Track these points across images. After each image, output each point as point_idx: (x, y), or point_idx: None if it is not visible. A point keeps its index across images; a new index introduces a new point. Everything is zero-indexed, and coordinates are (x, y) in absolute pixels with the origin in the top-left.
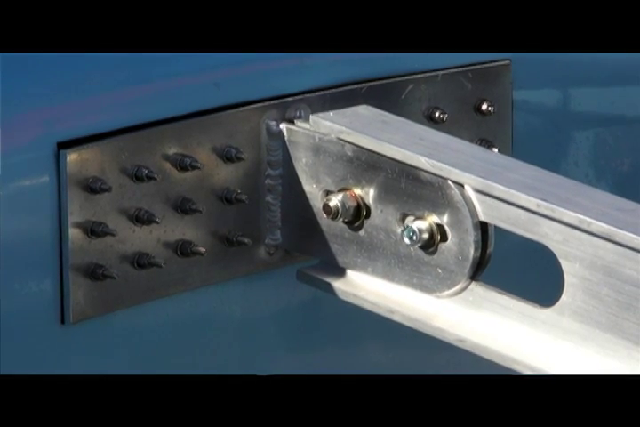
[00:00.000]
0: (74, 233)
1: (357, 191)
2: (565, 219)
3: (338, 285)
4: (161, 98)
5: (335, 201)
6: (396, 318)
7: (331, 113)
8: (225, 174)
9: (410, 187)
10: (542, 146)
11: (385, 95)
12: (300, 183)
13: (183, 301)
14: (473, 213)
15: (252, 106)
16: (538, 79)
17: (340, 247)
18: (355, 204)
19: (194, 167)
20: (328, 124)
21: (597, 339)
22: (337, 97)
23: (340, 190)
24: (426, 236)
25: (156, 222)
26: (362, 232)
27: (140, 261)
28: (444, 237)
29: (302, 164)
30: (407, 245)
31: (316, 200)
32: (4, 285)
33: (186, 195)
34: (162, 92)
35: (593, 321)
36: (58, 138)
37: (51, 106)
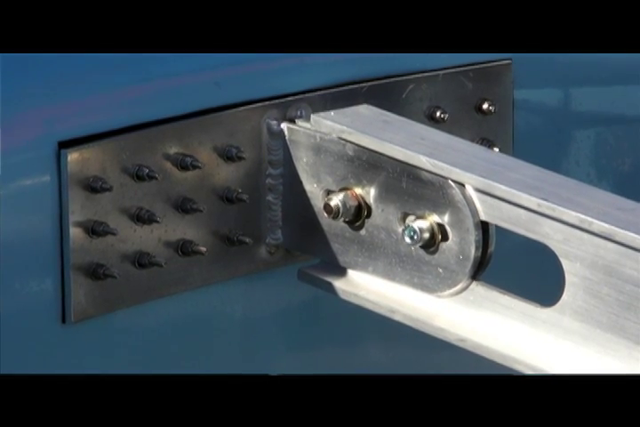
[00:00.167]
0: (75, 232)
1: (358, 191)
2: (566, 218)
3: (339, 284)
4: (162, 97)
5: (336, 200)
6: (396, 317)
7: (332, 112)
8: (226, 174)
9: (411, 186)
10: (543, 145)
11: (386, 95)
12: (300, 183)
13: (184, 300)
14: (474, 212)
15: (252, 105)
16: (539, 79)
17: (340, 247)
18: (356, 203)
19: (195, 167)
20: (329, 124)
21: (598, 339)
22: (338, 96)
23: (341, 190)
24: (427, 235)
25: (157, 222)
26: (363, 232)
27: (141, 260)
28: (445, 237)
29: (303, 163)
30: (408, 244)
31: (317, 200)
32: (4, 284)
33: (187, 194)
34: (162, 91)
35: (594, 321)
36: (59, 137)
37: (51, 105)
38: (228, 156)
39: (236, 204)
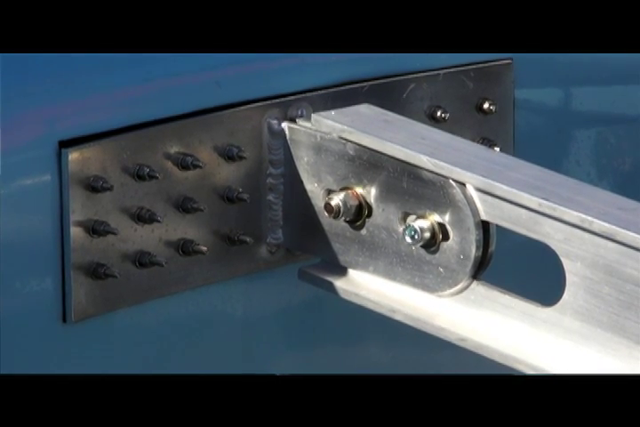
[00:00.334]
0: (75, 232)
1: (359, 190)
2: (567, 218)
3: (339, 284)
4: (162, 97)
5: (337, 200)
6: (397, 317)
7: (332, 112)
8: (226, 173)
9: (411, 186)
10: (544, 145)
11: (387, 94)
12: (301, 182)
13: (184, 300)
14: (475, 212)
15: (253, 105)
16: (539, 78)
17: (341, 246)
18: (356, 203)
19: (195, 166)
20: (330, 123)
21: (599, 338)
22: (338, 96)
23: (342, 189)
24: (427, 235)
25: (158, 221)
26: (363, 231)
27: (142, 259)
28: (446, 237)
29: (304, 162)
30: (409, 244)
31: (318, 199)
32: (5, 284)
33: (187, 194)
34: (163, 91)
35: (594, 320)
36: (59, 137)
37: (52, 105)
38: (229, 155)
39: (236, 203)
